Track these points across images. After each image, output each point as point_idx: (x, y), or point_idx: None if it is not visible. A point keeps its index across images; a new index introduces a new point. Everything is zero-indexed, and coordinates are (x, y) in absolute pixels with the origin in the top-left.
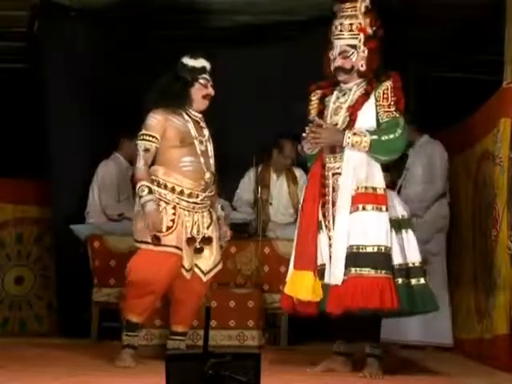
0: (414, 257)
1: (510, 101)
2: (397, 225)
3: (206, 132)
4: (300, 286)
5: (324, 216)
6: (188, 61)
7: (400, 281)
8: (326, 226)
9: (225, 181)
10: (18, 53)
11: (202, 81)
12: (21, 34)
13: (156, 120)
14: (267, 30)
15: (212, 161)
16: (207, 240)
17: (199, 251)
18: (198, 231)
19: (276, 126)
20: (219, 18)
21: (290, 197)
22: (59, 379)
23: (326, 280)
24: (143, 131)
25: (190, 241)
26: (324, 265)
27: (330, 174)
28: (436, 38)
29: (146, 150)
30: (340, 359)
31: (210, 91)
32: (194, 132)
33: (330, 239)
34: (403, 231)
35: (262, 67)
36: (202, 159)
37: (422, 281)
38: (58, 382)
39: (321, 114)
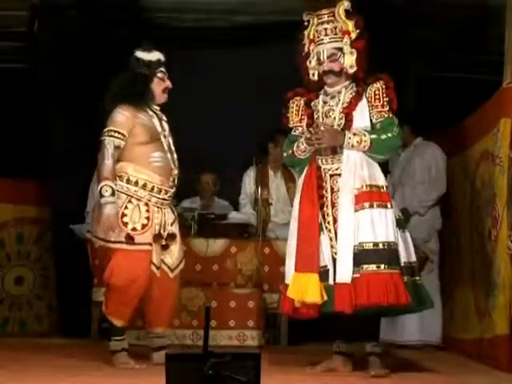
0: (412, 256)
1: (510, 101)
2: (399, 224)
3: (166, 126)
4: (306, 289)
5: (323, 218)
6: (142, 55)
7: (406, 278)
8: (326, 228)
9: (225, 181)
10: (18, 53)
11: (159, 75)
12: (21, 34)
13: (125, 117)
14: (267, 30)
15: (176, 156)
16: (172, 236)
17: (165, 248)
18: (165, 228)
19: (276, 125)
20: (219, 18)
21: (289, 196)
22: (59, 379)
23: (330, 281)
24: (111, 127)
25: (157, 237)
26: (326, 266)
27: (328, 175)
28: (436, 37)
29: (116, 148)
30: (340, 359)
31: (168, 84)
32: (159, 127)
33: (331, 240)
34: (401, 231)
35: (261, 67)
36: (168, 155)
37: (419, 279)
38: (57, 381)
39: (310, 118)
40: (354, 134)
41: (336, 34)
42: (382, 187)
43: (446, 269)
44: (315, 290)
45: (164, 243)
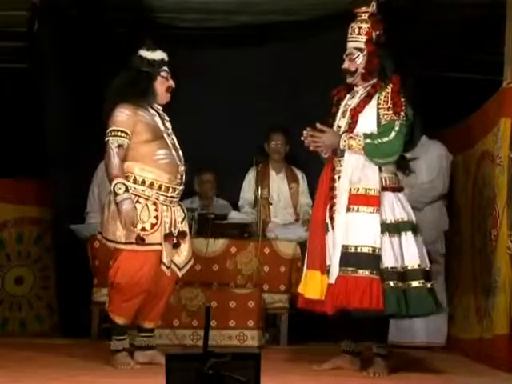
0: (413, 259)
1: (510, 101)
2: (393, 228)
3: (169, 125)
4: (308, 285)
5: (331, 218)
6: (146, 54)
7: (391, 283)
8: (332, 228)
9: (225, 181)
10: (17, 53)
11: (163, 73)
12: (21, 34)
13: (126, 115)
14: (267, 29)
15: (181, 153)
16: (182, 234)
17: (176, 246)
18: (175, 226)
19: (276, 126)
20: (219, 18)
21: (291, 196)
22: (59, 379)
23: (329, 280)
24: (114, 127)
25: (168, 236)
26: (329, 265)
27: (337, 177)
28: (436, 37)
29: (120, 147)
30: (348, 358)
31: (171, 83)
32: (161, 125)
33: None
34: (402, 234)
35: (261, 67)
36: (173, 152)
37: (419, 284)
38: (57, 382)
39: (333, 117)
40: (350, 138)
41: (359, 33)
42: (371, 190)
43: (448, 269)
44: (315, 286)
45: (175, 241)
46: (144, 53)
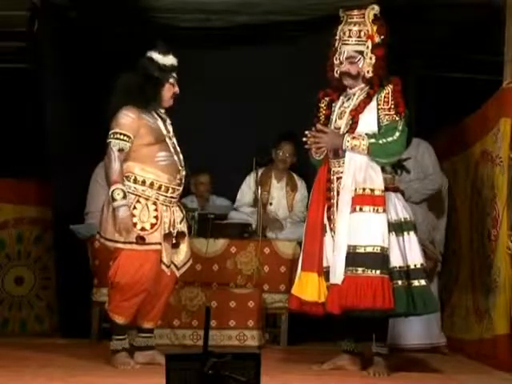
0: (416, 259)
1: (510, 101)
2: (398, 227)
3: (170, 128)
4: (305, 287)
5: (329, 219)
6: (157, 57)
7: (400, 283)
8: (331, 229)
9: (224, 181)
10: (18, 53)
11: (171, 80)
12: (21, 34)
13: (130, 119)
14: (267, 29)
15: (182, 157)
16: (181, 234)
17: (175, 246)
18: (174, 226)
19: (276, 126)
20: (219, 18)
21: (287, 204)
22: (59, 379)
23: (331, 281)
24: (117, 129)
25: (168, 236)
26: (328, 267)
27: (335, 178)
28: (436, 37)
29: (121, 150)
30: (348, 357)
31: (177, 90)
32: (163, 129)
33: (334, 241)
34: (405, 233)
35: (262, 67)
36: (174, 155)
37: (423, 282)
38: (57, 382)
39: (327, 118)
40: (353, 138)
41: (360, 36)
42: (377, 190)
43: (446, 269)
44: (313, 288)
45: (174, 241)
46: (156, 56)
